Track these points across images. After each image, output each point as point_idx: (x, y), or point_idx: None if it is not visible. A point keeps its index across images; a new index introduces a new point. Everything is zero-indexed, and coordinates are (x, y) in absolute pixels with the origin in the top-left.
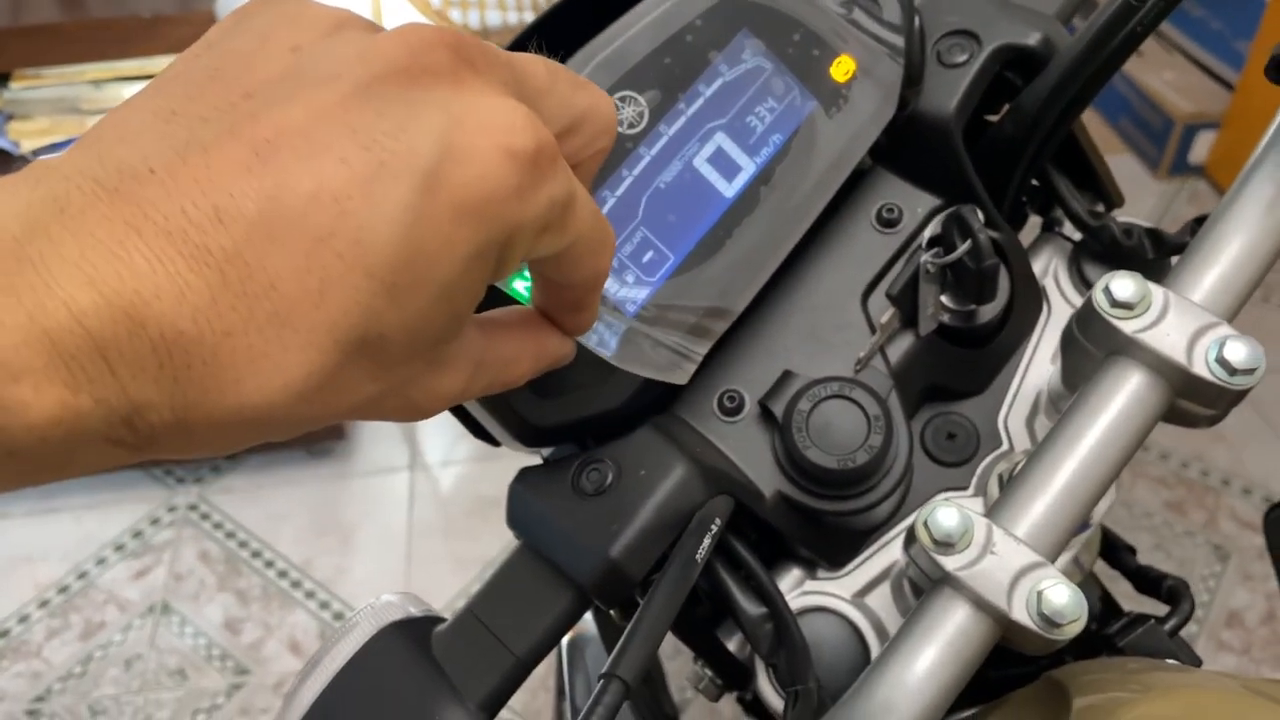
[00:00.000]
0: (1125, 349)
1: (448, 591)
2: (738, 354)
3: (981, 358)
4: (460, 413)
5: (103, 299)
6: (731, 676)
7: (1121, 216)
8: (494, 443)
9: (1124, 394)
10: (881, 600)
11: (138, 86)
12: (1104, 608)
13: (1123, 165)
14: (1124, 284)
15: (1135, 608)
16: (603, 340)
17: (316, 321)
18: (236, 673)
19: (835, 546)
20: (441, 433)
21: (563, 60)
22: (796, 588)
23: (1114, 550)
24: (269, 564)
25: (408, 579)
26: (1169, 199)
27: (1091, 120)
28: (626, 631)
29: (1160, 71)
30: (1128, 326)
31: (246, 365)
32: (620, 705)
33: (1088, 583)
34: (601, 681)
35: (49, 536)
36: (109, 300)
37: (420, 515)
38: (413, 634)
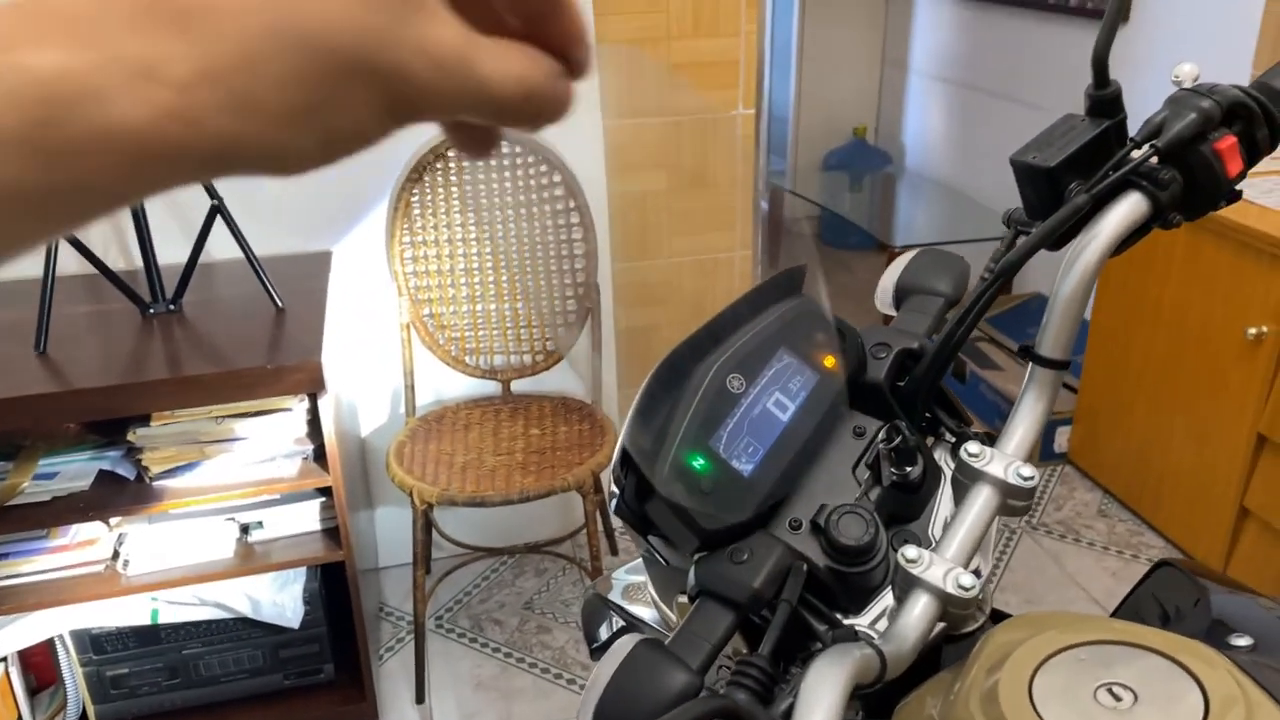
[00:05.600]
0: (979, 477)
1: None
2: (796, 499)
3: (915, 500)
4: (648, 529)
5: None
6: None
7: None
8: (665, 563)
9: (980, 500)
10: (883, 625)
11: (251, 421)
12: None
13: None
14: (974, 445)
15: None
16: (736, 491)
17: None
18: None
19: (857, 597)
20: (456, 713)
21: (690, 360)
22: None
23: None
24: None
25: None
26: (1044, 482)
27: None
28: (774, 620)
29: (1017, 383)
30: (977, 465)
31: None
32: (784, 622)
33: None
34: (781, 606)
35: None
36: None
37: None
38: (653, 641)
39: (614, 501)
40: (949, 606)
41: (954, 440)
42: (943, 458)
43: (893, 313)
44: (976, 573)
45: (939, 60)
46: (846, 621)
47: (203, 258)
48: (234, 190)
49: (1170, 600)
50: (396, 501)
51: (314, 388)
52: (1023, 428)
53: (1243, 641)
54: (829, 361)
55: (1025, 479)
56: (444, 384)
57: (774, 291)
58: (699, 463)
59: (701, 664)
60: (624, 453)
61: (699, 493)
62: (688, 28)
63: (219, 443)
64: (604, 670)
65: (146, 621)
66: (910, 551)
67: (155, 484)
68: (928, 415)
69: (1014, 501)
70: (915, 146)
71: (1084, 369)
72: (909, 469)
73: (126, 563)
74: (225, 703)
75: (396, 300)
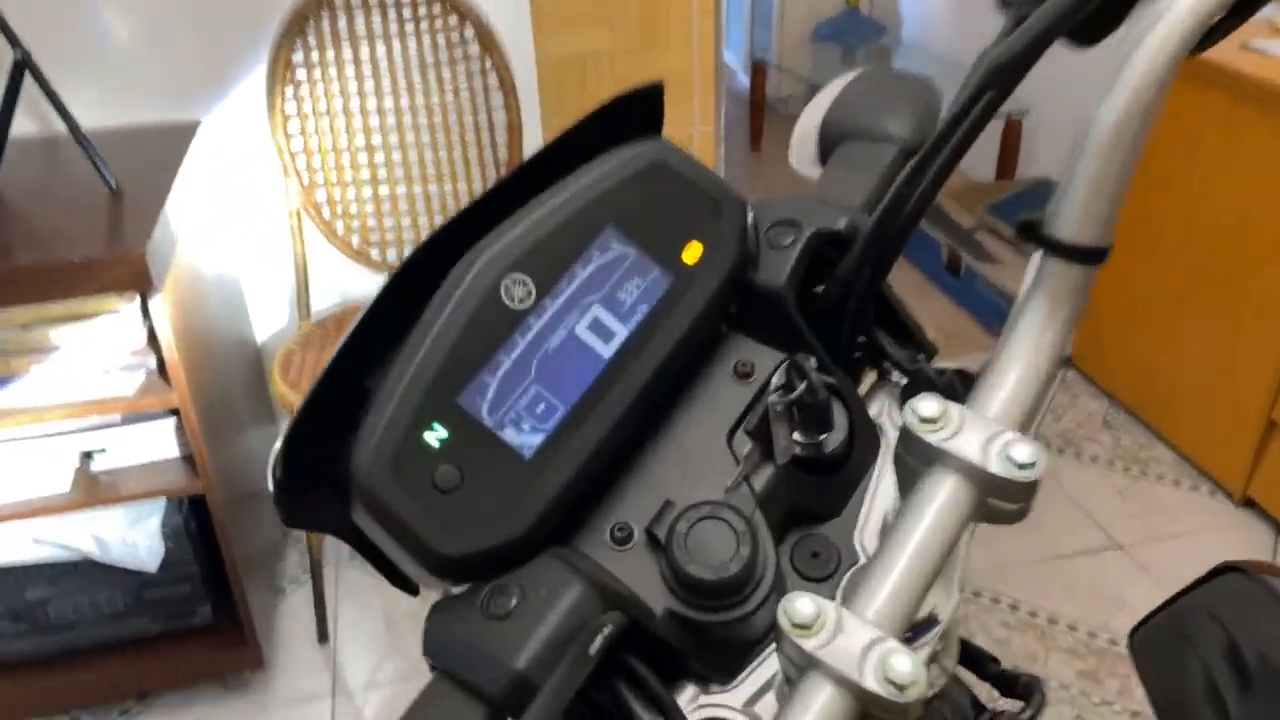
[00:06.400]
0: (937, 458)
1: None
2: (625, 491)
3: (833, 484)
4: (375, 557)
5: None
6: None
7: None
8: (413, 591)
9: (941, 494)
10: (768, 707)
11: (68, 327)
12: (974, 710)
13: None
14: (927, 404)
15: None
16: (505, 485)
17: None
18: None
19: (723, 660)
20: (365, 655)
21: (460, 253)
22: (692, 702)
23: (979, 661)
24: None
25: None
26: None
27: (965, 325)
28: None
29: (1019, 278)
30: (934, 438)
31: None
32: None
33: (957, 689)
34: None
35: None
36: None
37: None
38: None
39: (280, 504)
40: (873, 708)
41: (904, 383)
42: (885, 410)
43: (815, 174)
44: (929, 622)
45: None
46: (704, 702)
47: (43, 130)
48: (71, 46)
49: (1246, 631)
50: None
51: (138, 285)
52: (1019, 369)
53: None
54: (691, 253)
55: (1022, 466)
56: (348, 281)
57: (608, 131)
58: (435, 437)
59: None
60: (302, 421)
61: (429, 491)
62: None
63: (30, 354)
64: None
65: None
66: (800, 608)
67: None
68: (861, 340)
69: (1000, 503)
70: (913, 16)
71: None
72: (823, 436)
73: None
74: (86, 650)
75: (283, 182)
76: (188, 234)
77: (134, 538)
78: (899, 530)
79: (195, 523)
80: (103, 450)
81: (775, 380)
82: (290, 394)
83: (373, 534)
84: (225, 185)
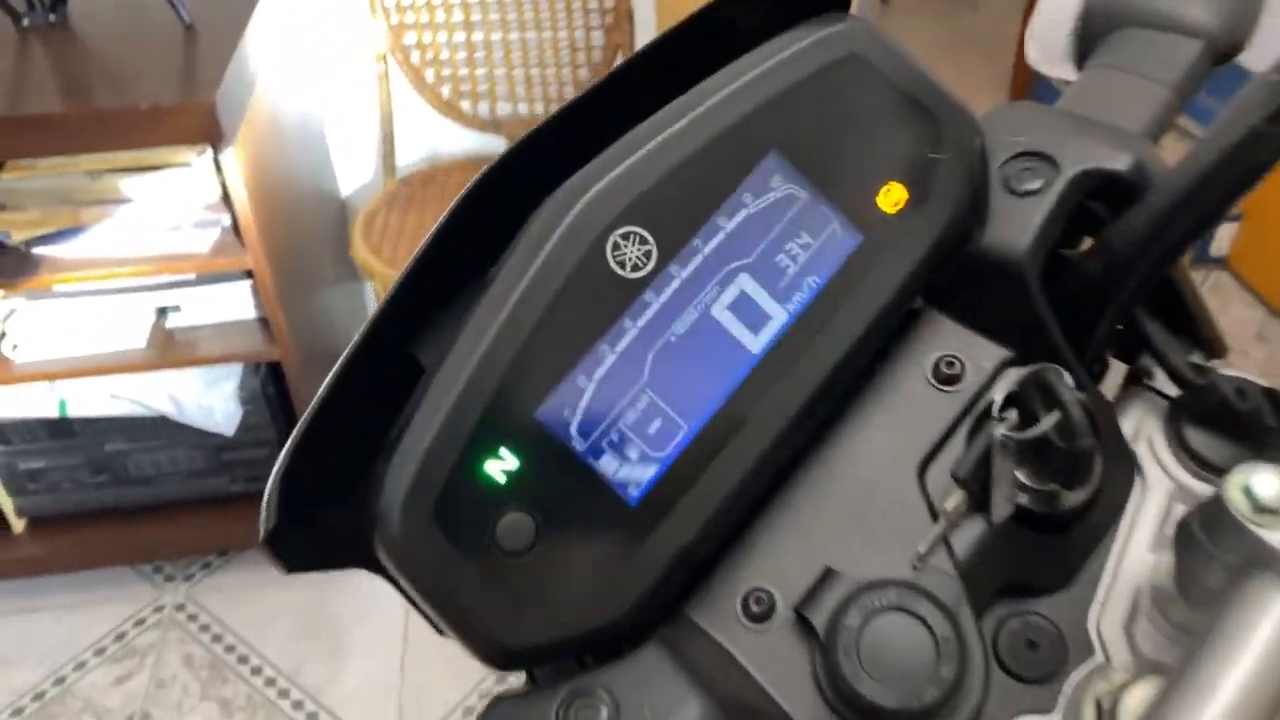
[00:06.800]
0: (1272, 564)
1: (443, 705)
2: (767, 542)
3: (1065, 545)
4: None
5: None
6: None
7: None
8: None
9: (1273, 624)
10: None
11: (134, 178)
12: None
13: None
14: (1267, 482)
15: None
16: (601, 544)
17: None
18: None
19: None
20: None
21: (552, 185)
22: None
23: None
24: (256, 670)
25: (401, 690)
26: None
27: None
28: None
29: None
30: (1277, 539)
31: None
32: None
33: None
34: None
35: (28, 638)
36: None
37: (417, 617)
38: None
39: (276, 546)
40: None
41: (1175, 399)
42: (1143, 432)
43: (1066, 74)
44: None
45: None
46: None
47: None
48: None
49: None
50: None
51: (209, 137)
52: None
53: None
54: (891, 197)
55: None
56: (438, 136)
57: (770, 5)
58: (501, 468)
59: None
60: (304, 437)
61: (489, 550)
62: None
63: (98, 205)
64: None
65: (54, 414)
66: None
67: (34, 252)
68: (1119, 328)
69: None
70: None
71: None
72: (1068, 492)
73: (16, 346)
74: (169, 505)
75: (369, 21)
76: (266, 77)
77: (210, 401)
78: (1201, 672)
79: (273, 387)
80: (177, 308)
81: (997, 393)
82: (372, 260)
83: (414, 595)
84: (307, 24)
